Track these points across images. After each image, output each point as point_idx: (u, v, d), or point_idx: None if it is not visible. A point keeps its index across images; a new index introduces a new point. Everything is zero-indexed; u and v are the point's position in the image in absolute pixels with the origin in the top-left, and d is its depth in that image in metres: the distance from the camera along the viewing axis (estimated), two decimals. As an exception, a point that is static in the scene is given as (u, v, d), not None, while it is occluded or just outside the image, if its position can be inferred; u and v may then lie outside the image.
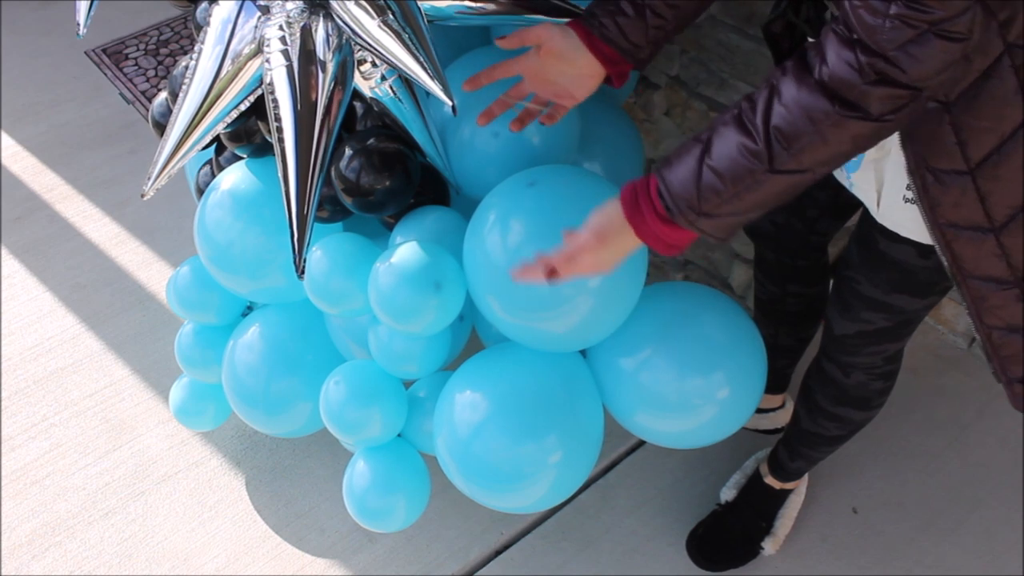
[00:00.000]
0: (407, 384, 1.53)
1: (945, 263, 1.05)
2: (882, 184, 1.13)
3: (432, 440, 1.44)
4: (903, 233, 1.15)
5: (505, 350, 1.42)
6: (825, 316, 1.39)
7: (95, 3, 1.33)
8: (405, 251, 1.30)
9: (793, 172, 0.93)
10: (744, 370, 1.38)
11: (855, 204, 1.24)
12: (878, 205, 1.16)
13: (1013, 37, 0.89)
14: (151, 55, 2.88)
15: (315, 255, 1.36)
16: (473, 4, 1.23)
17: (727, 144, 0.94)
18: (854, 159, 1.14)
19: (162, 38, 2.94)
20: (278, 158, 1.15)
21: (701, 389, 1.35)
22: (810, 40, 1.16)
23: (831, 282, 1.45)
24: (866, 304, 1.28)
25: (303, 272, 1.18)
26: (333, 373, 1.47)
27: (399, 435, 1.54)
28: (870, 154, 1.12)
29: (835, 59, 0.87)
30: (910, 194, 1.10)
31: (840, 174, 1.23)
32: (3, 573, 1.74)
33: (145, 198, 1.24)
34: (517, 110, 1.28)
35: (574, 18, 1.19)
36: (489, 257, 1.27)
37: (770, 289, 1.65)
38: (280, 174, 1.15)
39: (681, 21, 1.17)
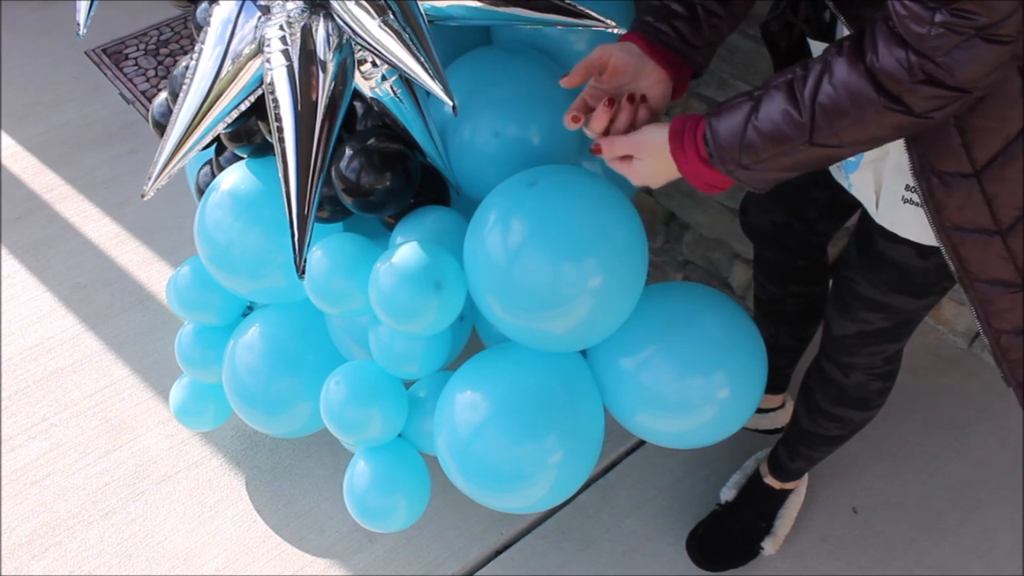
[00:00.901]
0: (407, 384, 1.53)
1: (952, 267, 1.05)
2: (881, 185, 1.13)
3: (432, 440, 1.44)
4: (902, 233, 1.15)
5: (505, 350, 1.42)
6: (824, 316, 1.39)
7: (95, 3, 1.33)
8: (405, 251, 1.30)
9: (831, 147, 0.95)
10: (744, 370, 1.38)
11: (854, 205, 1.24)
12: (877, 206, 1.15)
13: None
14: (151, 55, 2.88)
15: (315, 255, 1.36)
16: (473, 4, 1.23)
17: (774, 109, 0.96)
18: (853, 160, 1.14)
19: (162, 38, 2.94)
20: (278, 158, 1.15)
21: (701, 389, 1.35)
22: (810, 41, 1.16)
23: (830, 282, 1.45)
24: (865, 304, 1.28)
25: (304, 272, 1.18)
26: (333, 373, 1.47)
27: (399, 435, 1.54)
28: (869, 155, 1.12)
29: (885, 53, 0.87)
30: (909, 195, 1.10)
31: (839, 175, 1.23)
32: (3, 573, 1.74)
33: (145, 198, 1.24)
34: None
35: (629, 31, 1.18)
36: (490, 257, 1.27)
37: (770, 289, 1.65)
38: (280, 174, 1.15)
39: (733, 19, 1.17)
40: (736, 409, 1.38)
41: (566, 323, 1.29)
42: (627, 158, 1.12)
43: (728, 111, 1.01)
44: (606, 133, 1.13)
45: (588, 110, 1.18)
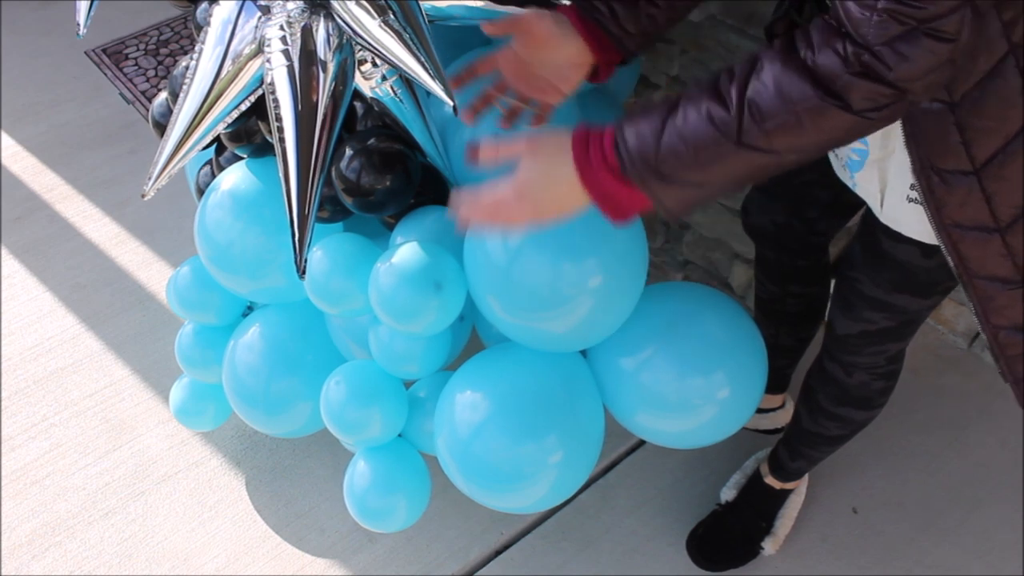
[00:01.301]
0: (407, 384, 1.53)
1: (951, 263, 1.05)
2: (886, 184, 1.13)
3: (433, 440, 1.44)
4: (906, 233, 1.15)
5: (506, 350, 1.42)
6: (828, 316, 1.39)
7: (95, 3, 1.33)
8: (405, 251, 1.30)
9: (761, 151, 0.88)
10: (745, 370, 1.38)
11: (856, 204, 1.25)
12: (881, 205, 1.15)
13: (1017, 38, 0.89)
14: (151, 55, 2.88)
15: (315, 255, 1.36)
16: (474, 4, 1.23)
17: (696, 108, 0.89)
18: (857, 159, 1.14)
19: (162, 38, 2.94)
20: (279, 158, 1.15)
21: (702, 389, 1.35)
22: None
23: (832, 282, 1.45)
24: (868, 304, 1.28)
25: (304, 272, 1.18)
26: (333, 373, 1.47)
27: (400, 435, 1.54)
28: (874, 154, 1.12)
29: (821, 45, 0.84)
30: (913, 194, 1.10)
31: (844, 174, 1.23)
32: (3, 573, 1.74)
33: (146, 198, 1.24)
34: (503, 107, 1.23)
35: (566, 3, 1.14)
36: (490, 257, 1.27)
37: (770, 289, 1.65)
38: (281, 174, 1.15)
39: (673, 13, 1.13)
40: (736, 409, 1.38)
41: (566, 323, 1.29)
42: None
43: (642, 115, 0.92)
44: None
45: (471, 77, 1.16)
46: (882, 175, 1.13)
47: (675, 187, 0.92)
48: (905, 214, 1.13)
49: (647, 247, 1.33)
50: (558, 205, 0.98)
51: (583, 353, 1.44)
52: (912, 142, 1.00)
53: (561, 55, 1.13)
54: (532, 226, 1.04)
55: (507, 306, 1.29)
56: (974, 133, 0.95)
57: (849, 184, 1.23)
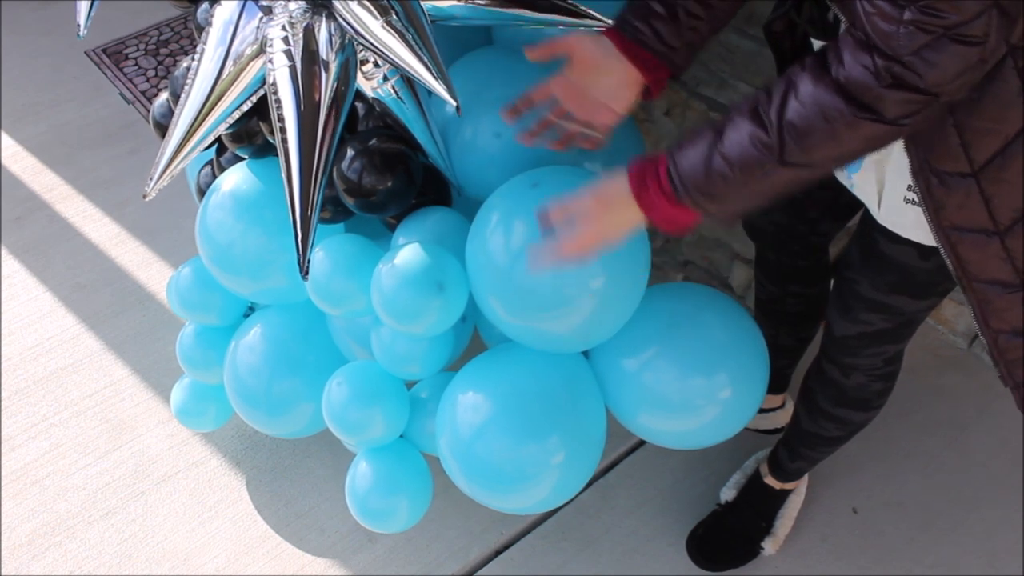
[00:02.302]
0: (409, 385, 1.53)
1: (950, 266, 1.04)
2: (883, 185, 1.13)
3: (435, 441, 1.44)
4: (904, 234, 1.15)
5: (507, 351, 1.42)
6: (826, 317, 1.39)
7: (95, 3, 1.33)
8: (407, 252, 1.30)
9: (801, 166, 0.93)
10: (746, 371, 1.38)
11: (856, 205, 1.25)
12: (879, 206, 1.15)
13: (1016, 39, 0.89)
14: (151, 55, 2.88)
15: (317, 256, 1.36)
16: (475, 4, 1.23)
17: (740, 133, 0.94)
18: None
19: (162, 38, 2.94)
20: (281, 159, 1.15)
21: (703, 390, 1.35)
22: (813, 41, 1.16)
23: (832, 283, 1.45)
24: (866, 305, 1.28)
25: (307, 273, 1.18)
26: (335, 374, 1.47)
27: (401, 436, 1.54)
28: (872, 155, 1.12)
29: (851, 61, 0.86)
30: (911, 195, 1.10)
31: (841, 174, 1.23)
32: (3, 573, 1.74)
33: (147, 199, 1.24)
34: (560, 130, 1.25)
35: (607, 26, 1.17)
36: (492, 258, 1.27)
37: (770, 289, 1.65)
38: (283, 175, 1.15)
39: (715, 22, 1.15)
40: (738, 410, 1.38)
41: (568, 324, 1.29)
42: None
43: (689, 143, 0.99)
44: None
45: (528, 107, 1.19)
46: (880, 176, 1.13)
47: (726, 204, 0.99)
48: (903, 215, 1.13)
49: (649, 248, 1.33)
50: (626, 231, 1.08)
51: (585, 354, 1.44)
52: (911, 143, 1.00)
53: (612, 79, 1.15)
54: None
55: (509, 307, 1.29)
56: (973, 135, 0.95)
57: (847, 184, 1.23)
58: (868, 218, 1.21)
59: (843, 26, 1.11)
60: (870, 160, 1.13)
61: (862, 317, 1.30)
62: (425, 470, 1.56)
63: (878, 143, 0.92)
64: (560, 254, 1.09)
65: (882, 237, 1.18)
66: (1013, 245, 1.01)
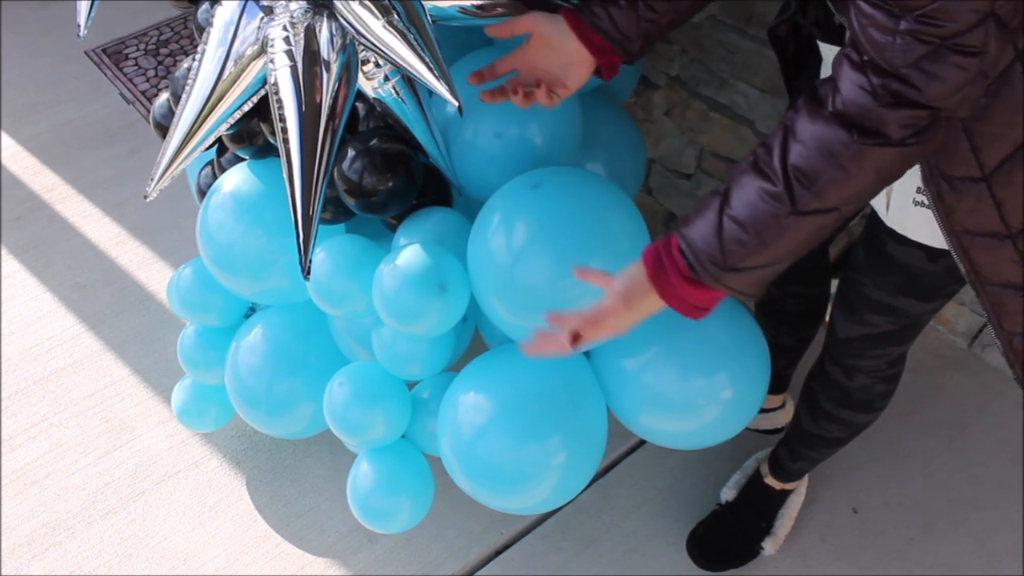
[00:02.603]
0: (410, 385, 1.53)
1: (963, 270, 1.04)
2: (892, 187, 1.13)
3: (436, 441, 1.44)
4: (912, 236, 1.14)
5: (509, 351, 1.42)
6: (830, 318, 1.39)
7: (95, 4, 1.33)
8: (409, 253, 1.30)
9: (818, 212, 0.90)
10: (747, 371, 1.38)
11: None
12: (887, 208, 1.15)
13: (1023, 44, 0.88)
14: (151, 55, 2.88)
15: (318, 256, 1.36)
16: (475, 4, 1.23)
17: (746, 191, 0.91)
18: None
19: (162, 38, 2.94)
20: (283, 159, 1.15)
21: (705, 390, 1.35)
22: (820, 44, 1.16)
23: (835, 283, 1.44)
24: (871, 307, 1.28)
25: (309, 273, 1.18)
26: (337, 374, 1.47)
27: (403, 436, 1.54)
28: None
29: (848, 85, 0.84)
30: (919, 197, 1.09)
31: None
32: (3, 573, 1.74)
33: (148, 199, 1.24)
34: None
35: (565, 7, 1.18)
36: (493, 259, 1.27)
37: (770, 290, 1.64)
38: (285, 175, 1.15)
39: (674, 17, 1.15)
40: (739, 410, 1.38)
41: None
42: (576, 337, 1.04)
43: (697, 215, 0.95)
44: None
45: (492, 75, 1.20)
46: None
47: (747, 274, 0.95)
48: (910, 217, 1.12)
49: None
50: (638, 320, 1.03)
51: (586, 354, 1.44)
52: None
53: (560, 55, 1.16)
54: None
55: (510, 307, 1.29)
56: (983, 140, 0.94)
57: None
58: (875, 220, 1.21)
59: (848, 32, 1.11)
60: None
61: (867, 319, 1.30)
62: (426, 470, 1.55)
63: (889, 172, 0.88)
64: (575, 343, 1.06)
65: (889, 239, 1.18)
66: None
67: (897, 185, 1.11)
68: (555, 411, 1.35)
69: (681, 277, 0.97)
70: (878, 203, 1.17)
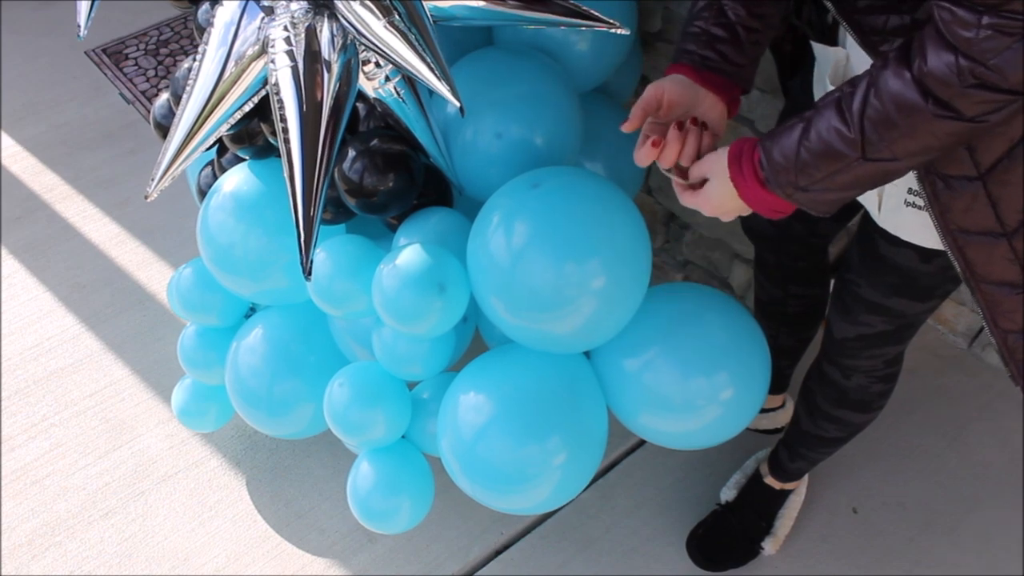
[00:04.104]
0: (411, 385, 1.52)
1: (958, 268, 1.04)
2: (883, 188, 1.13)
3: (436, 441, 1.44)
4: (904, 237, 1.15)
5: (509, 352, 1.42)
6: (826, 319, 1.39)
7: (95, 4, 1.33)
8: (409, 253, 1.30)
9: (886, 160, 0.93)
10: (748, 371, 1.38)
11: (855, 206, 1.25)
12: (879, 209, 1.15)
13: None
14: (151, 55, 2.88)
15: (319, 257, 1.36)
16: (476, 4, 1.23)
17: (824, 127, 0.95)
18: None
19: (162, 38, 2.94)
20: (284, 159, 1.15)
21: (705, 390, 1.35)
22: (813, 44, 1.16)
23: (832, 283, 1.44)
24: (866, 307, 1.28)
25: (310, 273, 1.17)
26: (337, 374, 1.47)
27: (403, 436, 1.53)
28: None
29: (934, 58, 0.85)
30: (912, 198, 1.10)
31: None
32: (3, 573, 1.74)
33: (149, 200, 1.24)
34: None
35: (674, 62, 1.20)
36: (493, 258, 1.27)
37: (771, 291, 1.65)
38: (286, 175, 1.14)
39: (771, 30, 1.16)
40: (740, 410, 1.38)
41: (569, 324, 1.29)
42: (697, 187, 1.12)
43: (781, 134, 1.00)
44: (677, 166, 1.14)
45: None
46: None
47: (815, 194, 0.99)
48: (903, 218, 1.13)
49: (651, 248, 1.33)
50: (731, 210, 1.10)
51: (586, 354, 1.44)
52: None
53: (698, 109, 1.17)
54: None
55: (510, 307, 1.29)
56: (978, 138, 0.95)
57: None
58: (868, 221, 1.21)
59: (842, 29, 1.11)
60: None
61: (862, 319, 1.30)
62: (427, 471, 1.55)
63: (961, 139, 0.90)
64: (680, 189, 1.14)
65: (882, 240, 1.19)
66: (1020, 246, 1.00)
67: (889, 187, 1.11)
68: (555, 411, 1.35)
69: (757, 182, 1.03)
70: (870, 204, 1.17)
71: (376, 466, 1.51)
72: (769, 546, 1.71)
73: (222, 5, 1.20)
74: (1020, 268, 1.02)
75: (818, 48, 1.14)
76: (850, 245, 1.30)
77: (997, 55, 0.81)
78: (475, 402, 1.36)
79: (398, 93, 1.31)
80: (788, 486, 1.72)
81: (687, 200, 1.14)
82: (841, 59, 1.10)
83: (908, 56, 0.88)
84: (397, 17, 1.07)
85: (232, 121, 1.23)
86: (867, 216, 1.22)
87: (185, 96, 1.20)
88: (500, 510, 1.45)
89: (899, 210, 1.12)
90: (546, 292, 1.24)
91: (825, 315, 1.63)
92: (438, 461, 1.46)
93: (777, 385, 1.85)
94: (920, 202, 1.06)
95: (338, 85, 1.16)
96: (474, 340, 1.57)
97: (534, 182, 1.29)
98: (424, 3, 1.14)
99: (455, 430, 1.37)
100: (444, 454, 1.40)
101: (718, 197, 1.09)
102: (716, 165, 1.08)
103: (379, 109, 1.36)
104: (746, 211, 1.09)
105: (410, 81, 1.32)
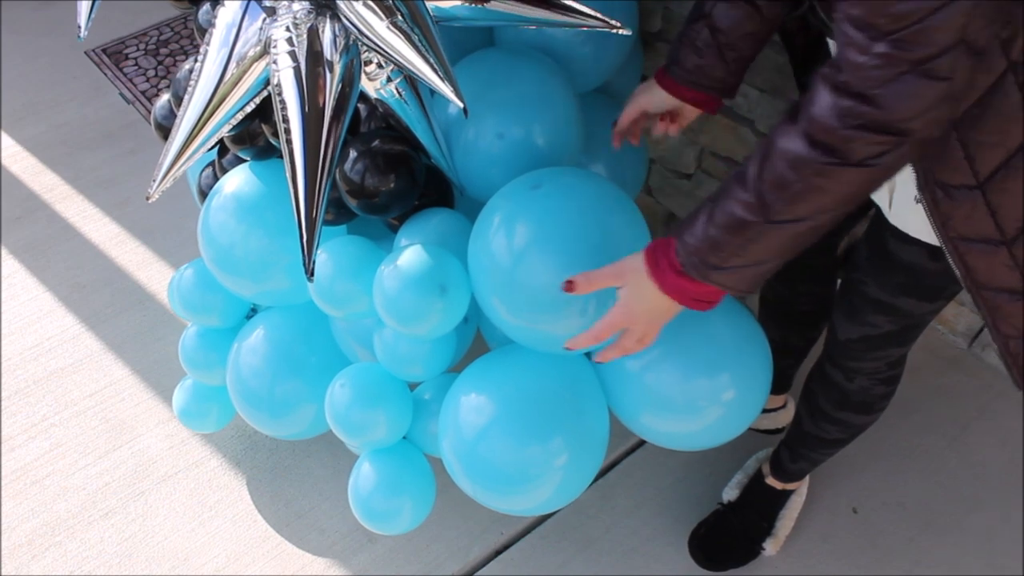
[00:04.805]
0: (412, 387, 1.52)
1: (959, 275, 1.05)
2: (895, 185, 1.13)
3: (437, 442, 1.44)
4: (913, 234, 1.15)
5: (510, 352, 1.42)
6: (830, 321, 1.39)
7: (95, 4, 1.33)
8: (409, 254, 1.30)
9: (790, 222, 0.94)
10: (750, 371, 1.38)
11: (867, 204, 1.25)
12: (890, 205, 1.16)
13: (1015, 55, 0.89)
14: (151, 55, 2.88)
15: (320, 258, 1.36)
16: (478, 4, 1.23)
17: (729, 198, 0.96)
18: None
19: (162, 38, 2.94)
20: (286, 160, 1.14)
21: (707, 391, 1.34)
22: (829, 41, 1.16)
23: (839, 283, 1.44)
24: (873, 307, 1.28)
25: (313, 274, 1.17)
26: (339, 375, 1.47)
27: (404, 437, 1.53)
28: None
29: (818, 105, 0.87)
30: (921, 195, 1.10)
31: None
32: (3, 573, 1.74)
33: (150, 200, 1.24)
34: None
35: (661, 73, 1.33)
36: (494, 259, 1.27)
37: (779, 290, 1.65)
38: (288, 176, 1.14)
39: (757, 47, 1.25)
40: (742, 411, 1.38)
41: (570, 325, 1.29)
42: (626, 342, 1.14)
43: (691, 219, 1.02)
44: None
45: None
46: None
47: (731, 272, 1.00)
48: (913, 215, 1.13)
49: None
50: (658, 315, 1.10)
51: (587, 355, 1.44)
52: (917, 158, 1.00)
53: (663, 104, 1.33)
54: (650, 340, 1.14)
55: (511, 307, 1.29)
56: (977, 148, 0.95)
57: None
58: (879, 218, 1.22)
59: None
60: None
61: (868, 319, 1.30)
62: (428, 471, 1.55)
63: (860, 187, 0.91)
64: (611, 349, 1.14)
65: (892, 237, 1.19)
66: (1020, 254, 1.01)
67: (899, 183, 1.11)
68: (557, 412, 1.35)
69: (672, 270, 1.04)
70: (881, 200, 1.18)
71: (378, 467, 1.51)
72: (770, 546, 1.71)
73: (223, 6, 1.20)
74: (1020, 275, 1.02)
75: (834, 45, 1.15)
76: (858, 244, 1.30)
77: (882, 85, 0.82)
78: (477, 403, 1.36)
79: (400, 94, 1.31)
80: (789, 486, 1.72)
81: (610, 351, 1.15)
82: None
83: (796, 113, 0.90)
84: (400, 18, 1.07)
85: (234, 122, 1.23)
86: (878, 215, 1.22)
87: (187, 97, 1.20)
88: (501, 511, 1.45)
89: (909, 206, 1.12)
90: (547, 293, 1.24)
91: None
92: (438, 461, 1.46)
93: (780, 385, 1.85)
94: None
95: (340, 86, 1.16)
96: (476, 341, 1.57)
97: (535, 182, 1.29)
98: (426, 3, 1.13)
99: (456, 430, 1.36)
100: (445, 455, 1.40)
101: (636, 301, 1.09)
102: (630, 262, 1.09)
103: (380, 110, 1.36)
104: (674, 309, 1.09)
105: (412, 81, 1.32)
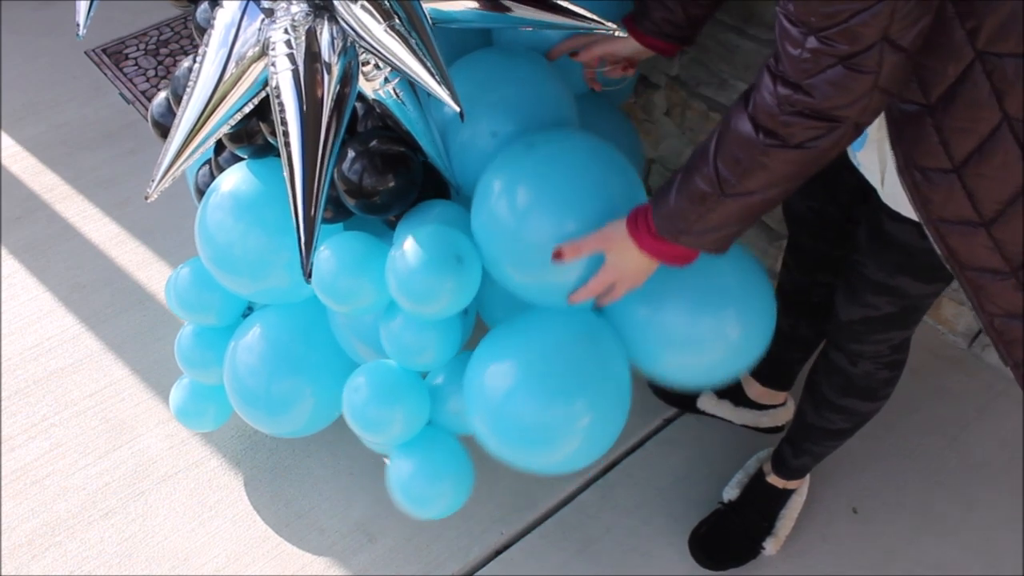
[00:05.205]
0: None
1: (941, 255, 1.08)
2: (885, 164, 1.14)
3: (462, 421, 1.44)
4: (904, 212, 1.17)
5: (524, 316, 1.42)
6: (834, 304, 1.41)
7: (95, 4, 1.33)
8: (419, 234, 1.30)
9: (743, 195, 1.04)
10: (754, 303, 1.38)
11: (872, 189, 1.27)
12: (882, 183, 1.17)
13: (982, 45, 0.92)
14: (151, 55, 2.88)
15: (323, 254, 1.35)
16: (476, 7, 1.23)
17: (693, 171, 1.08)
18: (859, 138, 1.14)
19: (162, 38, 2.94)
20: (284, 161, 1.14)
21: (714, 326, 1.35)
22: None
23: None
24: (872, 288, 1.30)
25: (310, 275, 1.18)
26: (355, 373, 1.46)
27: (429, 423, 1.53)
28: (873, 133, 1.14)
29: (762, 91, 0.96)
30: None
31: (849, 153, 1.24)
32: (3, 573, 1.74)
33: (149, 200, 1.24)
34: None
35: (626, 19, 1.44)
36: (499, 222, 1.29)
37: (797, 279, 1.65)
38: (286, 177, 1.14)
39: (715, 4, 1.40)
40: (749, 343, 1.38)
41: (579, 273, 1.29)
42: (609, 292, 1.26)
43: (663, 189, 1.13)
44: None
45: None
46: (881, 154, 1.15)
47: (698, 236, 1.12)
48: (902, 194, 1.14)
49: (645, 196, 1.34)
50: (641, 271, 1.23)
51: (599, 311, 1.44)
52: (896, 141, 1.04)
53: (629, 50, 1.47)
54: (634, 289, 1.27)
55: (521, 266, 1.31)
56: (950, 133, 0.98)
57: (854, 163, 1.25)
58: (875, 199, 1.24)
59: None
60: (872, 139, 1.15)
61: (869, 300, 1.32)
62: (462, 451, 1.56)
63: (802, 167, 1.00)
64: (601, 298, 1.28)
65: (886, 217, 1.21)
66: (999, 235, 1.03)
67: (891, 161, 1.12)
68: (580, 366, 1.36)
69: (649, 233, 1.16)
70: (874, 180, 1.20)
71: (414, 456, 1.52)
72: (770, 546, 1.71)
73: (222, 7, 1.20)
74: (1001, 255, 1.05)
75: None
76: (860, 226, 1.32)
77: (812, 76, 0.91)
78: (500, 367, 1.36)
79: (397, 95, 1.31)
80: (791, 485, 1.72)
81: (604, 298, 1.28)
82: None
83: (747, 96, 1.00)
84: (397, 21, 1.07)
85: (233, 122, 1.23)
86: (874, 194, 1.24)
87: (185, 97, 1.20)
88: (539, 470, 1.44)
89: (899, 185, 1.13)
90: (551, 246, 1.26)
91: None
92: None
93: (782, 381, 1.85)
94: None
95: (338, 87, 1.16)
96: (475, 340, 1.56)
97: (528, 143, 1.32)
98: (424, 6, 1.13)
99: (483, 396, 1.36)
100: (476, 423, 1.39)
101: (621, 260, 1.21)
102: (613, 229, 1.20)
103: (378, 110, 1.36)
104: (653, 266, 1.21)
105: (409, 82, 1.32)
